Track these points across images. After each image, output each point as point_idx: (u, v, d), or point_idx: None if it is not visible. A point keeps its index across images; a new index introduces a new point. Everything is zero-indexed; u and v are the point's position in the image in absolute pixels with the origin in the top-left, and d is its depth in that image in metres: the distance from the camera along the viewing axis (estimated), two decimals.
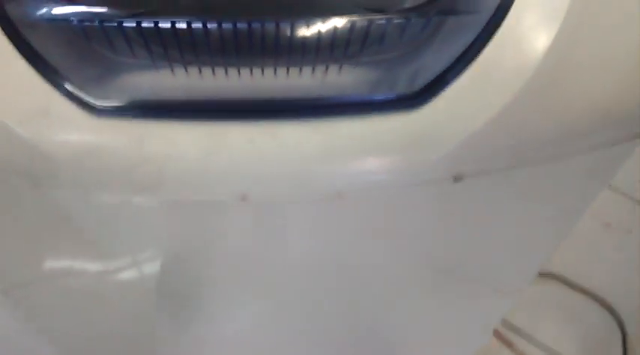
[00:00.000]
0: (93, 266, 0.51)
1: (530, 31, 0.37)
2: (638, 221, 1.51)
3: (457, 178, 0.39)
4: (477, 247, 0.52)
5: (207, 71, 0.36)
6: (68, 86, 0.35)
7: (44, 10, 0.35)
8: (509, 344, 1.21)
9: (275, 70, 0.36)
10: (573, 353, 1.25)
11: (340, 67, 0.37)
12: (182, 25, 0.35)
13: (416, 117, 0.36)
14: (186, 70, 0.36)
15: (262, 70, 0.36)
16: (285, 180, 0.37)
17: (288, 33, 0.35)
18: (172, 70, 0.36)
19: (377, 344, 0.66)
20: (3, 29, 0.35)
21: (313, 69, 0.37)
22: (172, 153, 0.35)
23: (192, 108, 0.36)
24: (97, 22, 0.35)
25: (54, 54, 0.36)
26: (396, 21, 0.36)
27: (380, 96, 0.37)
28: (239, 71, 0.36)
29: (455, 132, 0.37)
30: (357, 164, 0.37)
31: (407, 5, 0.37)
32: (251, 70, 0.36)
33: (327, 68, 0.37)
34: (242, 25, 0.35)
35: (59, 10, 0.35)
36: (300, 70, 0.36)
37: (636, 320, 1.28)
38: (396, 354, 0.69)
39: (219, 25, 0.34)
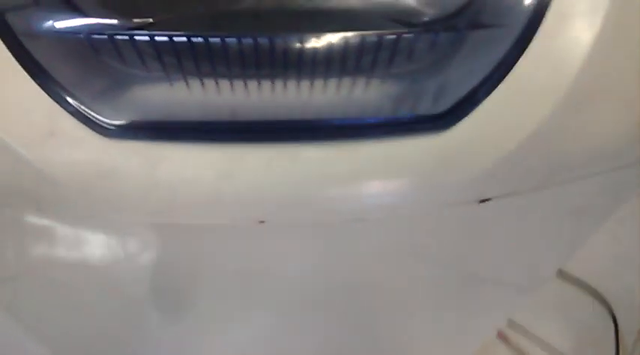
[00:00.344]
0: (99, 284, 0.49)
1: (564, 45, 0.35)
2: (631, 212, 1.51)
3: (483, 200, 0.37)
4: (500, 256, 0.51)
5: (224, 88, 0.34)
6: (76, 104, 0.33)
7: (50, 22, 0.32)
8: (504, 338, 1.21)
9: (297, 85, 0.34)
10: (567, 346, 1.26)
11: (366, 84, 0.35)
12: (199, 39, 0.32)
13: (443, 139, 0.34)
14: (202, 84, 0.34)
15: (284, 86, 0.34)
16: (304, 204, 0.35)
17: (313, 46, 0.33)
18: (187, 85, 0.34)
19: (391, 345, 0.65)
20: (4, 41, 0.32)
21: (338, 85, 0.34)
22: (187, 176, 0.33)
23: (208, 129, 0.34)
24: (106, 35, 0.32)
25: (59, 68, 0.33)
26: (424, 35, 0.34)
27: (406, 117, 0.35)
28: (259, 86, 0.34)
29: (484, 156, 0.35)
30: (380, 188, 0.35)
31: (431, 17, 0.35)
32: (272, 87, 0.34)
33: (352, 85, 0.34)
34: (263, 40, 0.32)
35: (67, 23, 0.32)
36: (324, 87, 0.34)
37: (629, 313, 1.29)
38: (409, 351, 0.68)
39: (239, 39, 0.32)
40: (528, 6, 0.34)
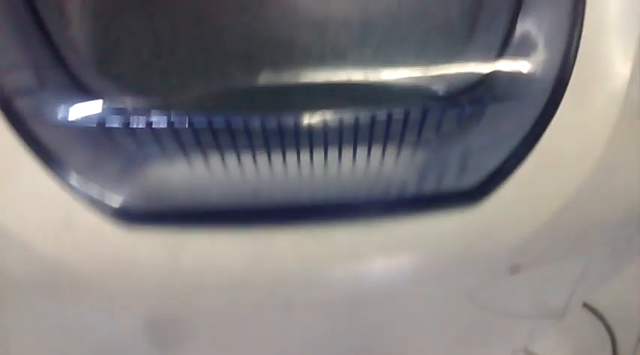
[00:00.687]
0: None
1: (591, 111, 0.34)
2: None
3: (514, 271, 0.36)
4: (527, 298, 0.49)
5: (247, 170, 0.32)
6: (91, 192, 0.31)
7: (59, 106, 0.31)
8: None
9: (322, 164, 0.33)
10: None
11: (392, 161, 0.34)
12: (219, 121, 0.31)
13: (473, 215, 0.33)
14: (224, 167, 0.32)
15: (309, 166, 0.33)
16: (334, 285, 0.34)
17: (337, 123, 0.32)
18: (209, 168, 0.32)
19: None
20: (13, 129, 0.30)
21: (364, 163, 0.33)
22: (211, 264, 0.32)
23: (232, 213, 0.32)
24: (121, 118, 0.31)
25: (72, 154, 0.32)
26: (450, 109, 0.33)
27: (434, 193, 0.34)
28: (283, 167, 0.32)
29: (515, 230, 0.34)
30: (409, 266, 0.34)
31: (454, 91, 0.34)
32: (297, 166, 0.32)
33: (378, 162, 0.33)
34: (287, 121, 0.31)
35: (77, 108, 0.31)
36: (350, 166, 0.33)
37: (626, 327, 1.29)
38: None
39: (263, 123, 0.31)
40: (550, 74, 0.34)
